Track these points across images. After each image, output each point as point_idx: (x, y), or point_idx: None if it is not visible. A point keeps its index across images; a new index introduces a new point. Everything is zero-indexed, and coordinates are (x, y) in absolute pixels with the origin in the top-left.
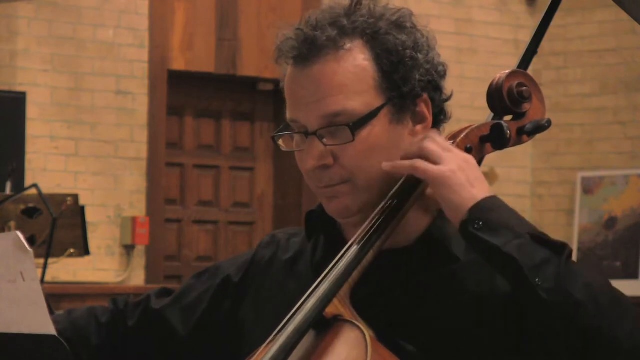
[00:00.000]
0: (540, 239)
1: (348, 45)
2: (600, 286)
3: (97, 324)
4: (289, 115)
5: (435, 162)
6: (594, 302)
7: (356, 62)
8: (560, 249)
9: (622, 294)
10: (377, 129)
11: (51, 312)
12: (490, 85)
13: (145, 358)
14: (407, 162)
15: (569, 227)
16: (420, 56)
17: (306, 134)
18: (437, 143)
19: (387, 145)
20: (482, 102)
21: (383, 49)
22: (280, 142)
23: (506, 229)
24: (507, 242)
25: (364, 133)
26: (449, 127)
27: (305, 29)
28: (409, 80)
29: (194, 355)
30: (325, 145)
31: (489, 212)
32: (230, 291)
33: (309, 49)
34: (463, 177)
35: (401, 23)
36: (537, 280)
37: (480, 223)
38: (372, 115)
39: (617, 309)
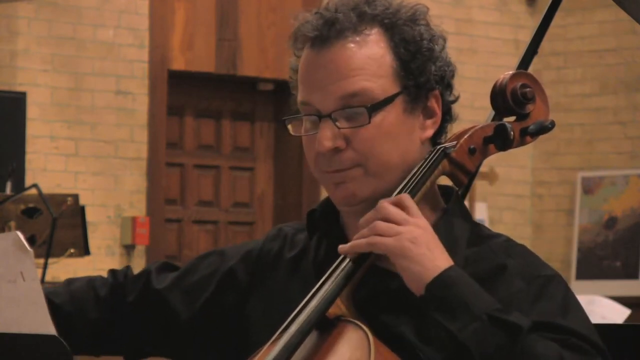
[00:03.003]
0: (497, 320)
1: (367, 32)
2: None
3: (95, 297)
4: (301, 97)
5: (391, 236)
6: None
7: (375, 48)
8: (517, 330)
9: None
10: (392, 115)
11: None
12: (494, 86)
13: (143, 337)
14: (363, 241)
15: (569, 227)
16: (436, 48)
17: (320, 116)
18: (388, 217)
19: (399, 134)
20: (482, 102)
21: (401, 38)
22: (290, 126)
23: (463, 309)
24: (463, 327)
25: (379, 118)
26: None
27: (324, 13)
28: (425, 71)
29: (200, 341)
30: (338, 128)
31: (446, 289)
32: (235, 284)
33: (329, 30)
34: (423, 246)
35: (418, 18)
36: None
37: (437, 303)
38: (388, 100)
39: None
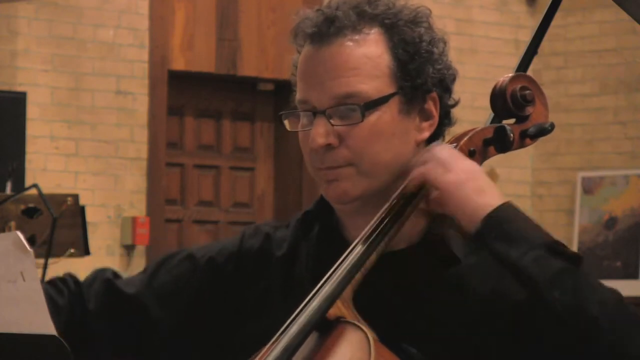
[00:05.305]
0: (555, 250)
1: (366, 31)
2: (614, 301)
3: (54, 306)
4: (299, 95)
5: (444, 171)
6: (608, 318)
7: (373, 47)
8: (575, 261)
9: (633, 308)
10: (386, 115)
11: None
12: (494, 88)
13: (109, 344)
14: (417, 171)
15: (569, 227)
16: (435, 51)
17: (315, 112)
18: (444, 152)
19: (393, 134)
20: (483, 102)
21: (400, 39)
22: (287, 122)
23: (522, 239)
24: (523, 254)
25: (373, 117)
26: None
27: (325, 10)
28: (423, 73)
29: (179, 346)
30: (332, 125)
31: (503, 222)
32: (218, 278)
33: (329, 27)
34: (473, 184)
35: (419, 20)
36: (552, 294)
37: (496, 234)
38: (383, 100)
39: (630, 325)
